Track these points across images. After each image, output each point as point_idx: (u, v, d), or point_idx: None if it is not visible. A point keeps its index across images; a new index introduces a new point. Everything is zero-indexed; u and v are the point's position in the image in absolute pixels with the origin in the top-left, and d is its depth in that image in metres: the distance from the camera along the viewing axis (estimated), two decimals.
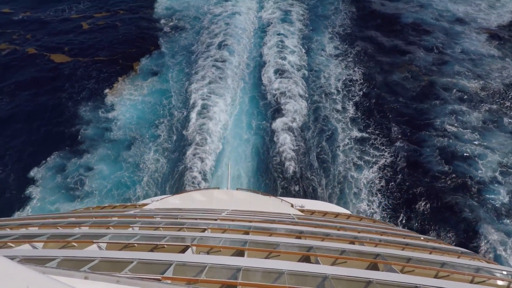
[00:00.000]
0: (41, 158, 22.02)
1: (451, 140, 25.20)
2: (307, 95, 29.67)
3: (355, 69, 32.48)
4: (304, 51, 34.59)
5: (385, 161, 24.08)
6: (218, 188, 18.67)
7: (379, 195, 22.40)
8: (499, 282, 7.51)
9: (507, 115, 27.76)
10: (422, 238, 11.76)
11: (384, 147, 25.04)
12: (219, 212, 13.31)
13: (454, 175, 22.88)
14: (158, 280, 5.52)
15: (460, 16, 40.78)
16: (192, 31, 35.10)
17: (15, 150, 22.38)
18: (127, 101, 26.63)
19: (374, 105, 28.58)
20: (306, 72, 32.04)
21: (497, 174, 23.01)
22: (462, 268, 7.88)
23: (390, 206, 21.87)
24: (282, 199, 16.20)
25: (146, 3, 38.80)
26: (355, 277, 6.43)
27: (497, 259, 18.43)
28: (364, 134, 26.05)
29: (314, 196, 21.97)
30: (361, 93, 30.00)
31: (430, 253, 9.09)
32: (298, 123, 26.91)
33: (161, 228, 9.61)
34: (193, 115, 25.57)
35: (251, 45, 35.44)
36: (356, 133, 26.10)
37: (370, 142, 25.49)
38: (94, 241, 7.87)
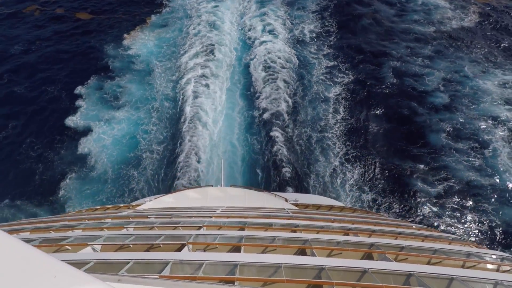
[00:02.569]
0: (83, 80, 28.25)
1: (404, 63, 31.87)
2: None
3: (330, 20, 38.85)
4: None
5: (349, 79, 30.57)
6: (212, 185, 18.90)
7: (343, 103, 28.57)
8: (489, 266, 7.76)
9: (452, 47, 34.40)
10: (414, 227, 12.13)
11: (348, 71, 31.50)
12: (214, 209, 13.37)
13: (402, 88, 29.43)
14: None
15: None
16: None
17: (63, 75, 28.74)
18: (141, 44, 32.87)
19: (345, 43, 35.02)
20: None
21: (440, 86, 29.62)
22: (453, 254, 8.09)
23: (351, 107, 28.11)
24: (276, 194, 16.22)
25: None
26: (350, 267, 6.58)
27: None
28: (335, 63, 32.40)
29: (307, 189, 22.15)
30: (333, 38, 36.35)
31: (423, 241, 9.32)
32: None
33: (156, 228, 9.57)
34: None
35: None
36: (326, 63, 32.38)
37: (338, 68, 31.85)
38: (88, 243, 7.82)
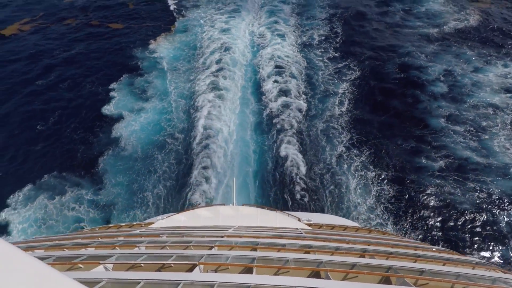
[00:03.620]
0: (117, 77, 32.04)
1: (409, 59, 34.15)
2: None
3: (337, 24, 41.82)
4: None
5: (357, 75, 32.95)
6: (224, 204, 18.57)
7: (348, 96, 30.82)
8: None
9: (455, 46, 36.50)
10: (434, 249, 11.55)
11: (356, 67, 33.94)
12: (226, 228, 13.25)
13: (407, 79, 31.58)
14: None
15: None
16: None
17: (100, 74, 32.92)
18: (165, 48, 36.73)
19: (351, 44, 37.72)
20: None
21: (441, 76, 31.60)
22: (478, 279, 7.60)
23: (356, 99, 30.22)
24: (288, 214, 15.88)
25: None
26: None
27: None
28: (343, 62, 34.98)
29: (321, 209, 21.73)
30: (340, 40, 39.12)
31: (444, 264, 8.87)
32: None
33: (167, 247, 9.50)
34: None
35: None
36: (335, 62, 34.96)
37: (347, 66, 34.37)
38: (101, 262, 7.82)
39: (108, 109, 28.82)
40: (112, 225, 16.27)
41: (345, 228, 14.84)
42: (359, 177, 23.43)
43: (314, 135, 27.03)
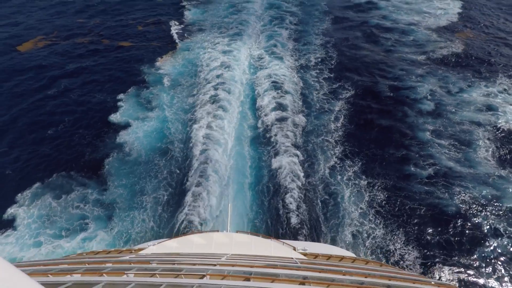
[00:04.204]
0: (125, 89, 34.06)
1: (398, 81, 36.58)
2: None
3: (332, 50, 44.87)
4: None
5: (351, 93, 35.16)
6: (218, 230, 18.23)
7: (342, 113, 32.81)
8: None
9: (441, 69, 39.26)
10: (433, 282, 11.19)
11: (350, 88, 36.22)
12: (219, 256, 13.00)
13: (398, 97, 33.78)
14: None
15: (413, 22, 54.40)
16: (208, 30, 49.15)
17: (109, 86, 35.06)
18: (170, 64, 39.19)
19: (346, 69, 40.39)
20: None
21: (428, 95, 33.87)
22: None
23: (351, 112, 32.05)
24: (283, 242, 15.49)
25: (177, 14, 53.67)
26: None
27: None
28: (337, 83, 37.36)
29: (317, 237, 21.38)
30: (335, 63, 41.90)
31: None
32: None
33: (157, 275, 9.19)
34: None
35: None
36: (326, 89, 37.16)
37: (342, 86, 36.73)
38: None
39: (115, 117, 30.47)
40: (101, 250, 15.72)
41: (342, 258, 14.54)
42: (353, 185, 24.65)
43: (309, 148, 28.49)
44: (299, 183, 24.83)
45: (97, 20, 50.70)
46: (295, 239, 20.41)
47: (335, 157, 27.09)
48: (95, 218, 21.70)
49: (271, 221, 22.25)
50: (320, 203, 23.75)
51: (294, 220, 21.98)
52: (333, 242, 20.70)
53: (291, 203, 23.13)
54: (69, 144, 27.54)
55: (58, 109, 31.73)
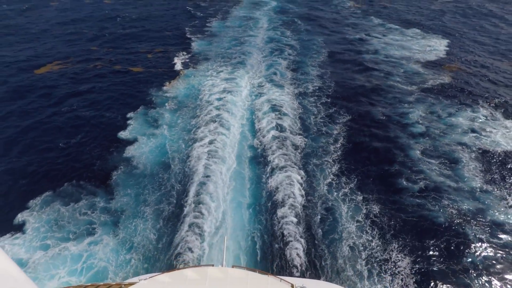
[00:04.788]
0: (134, 109, 36.22)
1: (391, 108, 39.11)
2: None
3: (328, 79, 48.04)
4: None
5: (347, 118, 37.35)
6: (213, 265, 17.42)
7: (341, 135, 34.78)
8: None
9: (431, 97, 41.97)
10: None
11: (346, 113, 38.56)
12: None
13: (391, 121, 36.01)
14: None
15: (403, 56, 58.64)
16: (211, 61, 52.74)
17: (119, 105, 37.24)
18: (176, 88, 41.88)
19: (342, 97, 43.15)
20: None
21: (419, 119, 36.16)
22: None
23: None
24: (281, 279, 14.88)
25: (184, 45, 57.68)
26: None
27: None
28: (331, 111, 39.72)
29: (317, 273, 20.69)
30: (330, 93, 44.74)
31: None
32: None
33: None
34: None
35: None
36: (323, 113, 39.51)
37: (338, 111, 39.08)
38: None
39: (124, 134, 32.29)
40: (89, 284, 15.16)
41: None
42: (350, 201, 25.82)
43: (308, 169, 29.93)
44: (298, 205, 25.27)
45: (109, 48, 54.69)
46: (293, 269, 20.38)
47: (333, 174, 28.49)
48: (102, 223, 22.61)
49: (268, 252, 21.76)
50: (318, 220, 24.55)
51: (293, 253, 21.93)
52: (337, 275, 20.33)
53: (289, 233, 22.98)
54: (79, 156, 29.07)
55: (69, 125, 33.75)
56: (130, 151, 29.96)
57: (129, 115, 35.39)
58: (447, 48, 60.79)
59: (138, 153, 29.85)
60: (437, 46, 62.54)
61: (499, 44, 63.40)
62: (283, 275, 16.97)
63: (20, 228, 21.89)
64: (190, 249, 21.35)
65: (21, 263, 19.46)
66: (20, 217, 22.59)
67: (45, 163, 28.11)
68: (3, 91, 40.33)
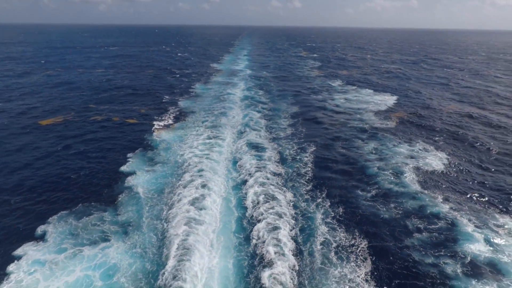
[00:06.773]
0: (132, 150, 42.01)
1: (348, 142, 47.52)
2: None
3: (300, 125, 56.86)
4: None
5: (314, 148, 44.82)
6: None
7: (310, 161, 41.82)
8: None
9: (380, 133, 51.15)
10: None
11: (313, 146, 46.22)
12: None
13: (349, 153, 43.88)
14: None
15: (360, 107, 70.19)
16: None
17: (119, 148, 42.79)
18: (168, 136, 48.52)
19: (309, 138, 51.46)
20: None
21: (372, 150, 44.30)
22: None
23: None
24: None
25: (172, 102, 66.23)
26: None
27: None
28: (302, 145, 47.55)
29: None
30: (301, 135, 53.08)
31: None
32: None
33: None
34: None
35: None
36: (296, 147, 47.42)
37: (308, 144, 46.74)
38: None
39: (124, 168, 37.36)
40: None
41: None
42: (322, 207, 31.34)
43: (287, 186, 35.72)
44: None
45: (106, 105, 62.15)
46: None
47: (306, 189, 34.41)
48: (113, 232, 26.54)
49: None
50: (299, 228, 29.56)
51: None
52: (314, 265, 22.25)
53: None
54: (89, 185, 33.50)
55: (77, 162, 38.59)
56: (130, 181, 34.55)
57: (129, 154, 40.99)
58: (396, 102, 73.98)
59: (136, 184, 34.51)
60: (388, 101, 75.81)
61: (432, 98, 77.88)
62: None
63: (41, 237, 25.42)
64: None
65: (41, 263, 22.97)
66: (39, 229, 26.21)
67: (59, 189, 32.35)
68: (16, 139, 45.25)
